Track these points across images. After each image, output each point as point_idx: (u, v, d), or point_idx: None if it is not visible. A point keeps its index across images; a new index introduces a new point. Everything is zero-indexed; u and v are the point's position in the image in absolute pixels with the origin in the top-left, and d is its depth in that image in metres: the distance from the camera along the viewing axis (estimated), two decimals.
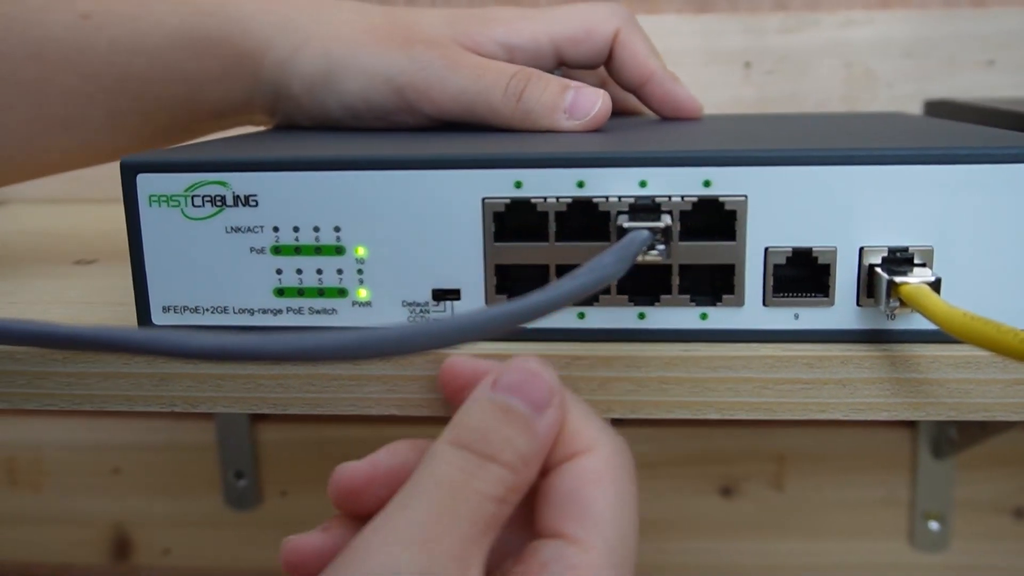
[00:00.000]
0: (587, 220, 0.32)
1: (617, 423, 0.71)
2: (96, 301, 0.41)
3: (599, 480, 0.28)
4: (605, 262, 0.29)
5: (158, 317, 0.35)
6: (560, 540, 0.27)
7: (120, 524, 0.80)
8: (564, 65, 0.47)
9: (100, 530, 0.81)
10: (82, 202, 0.71)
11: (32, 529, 0.82)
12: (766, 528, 0.74)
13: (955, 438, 0.67)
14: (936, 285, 0.30)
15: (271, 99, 0.46)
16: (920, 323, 0.32)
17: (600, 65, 0.47)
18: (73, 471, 0.80)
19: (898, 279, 0.31)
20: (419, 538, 0.24)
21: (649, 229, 0.31)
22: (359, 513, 0.30)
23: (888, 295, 0.31)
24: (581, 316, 0.33)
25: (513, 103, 0.42)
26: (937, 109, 0.58)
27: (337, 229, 0.33)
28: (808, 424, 0.72)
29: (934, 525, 0.71)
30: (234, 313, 0.35)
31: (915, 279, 0.30)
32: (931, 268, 0.32)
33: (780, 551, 0.74)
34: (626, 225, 0.31)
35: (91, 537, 0.81)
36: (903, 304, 0.31)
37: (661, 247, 0.31)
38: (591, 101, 0.41)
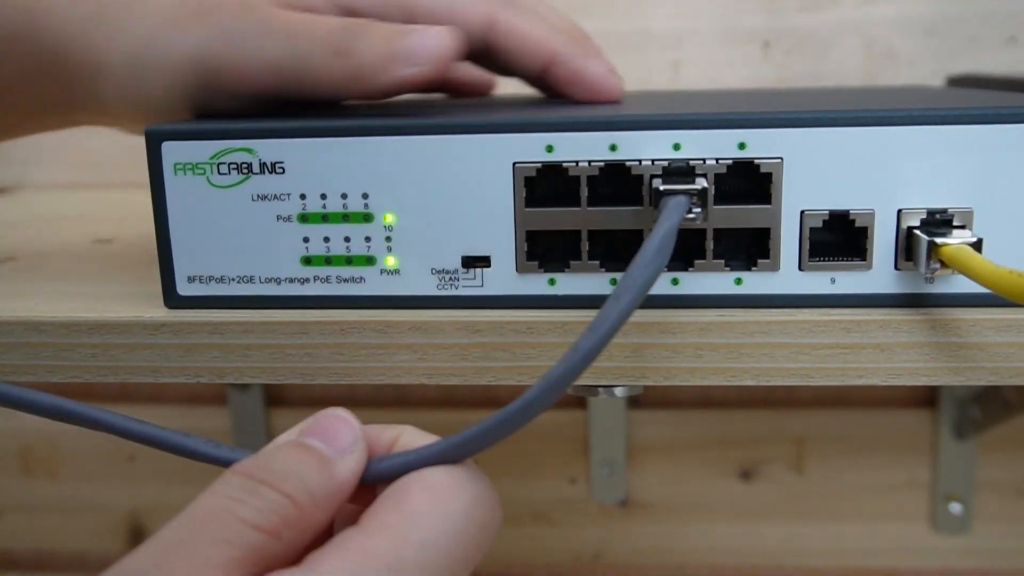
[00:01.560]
0: (620, 184, 0.32)
1: (633, 404, 0.71)
2: (116, 277, 0.40)
3: (428, 487, 0.25)
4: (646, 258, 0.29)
5: (183, 287, 0.35)
6: (355, 526, 0.24)
7: (135, 512, 0.80)
8: None
9: (115, 518, 0.81)
10: (95, 187, 0.70)
11: (47, 517, 0.82)
12: (786, 512, 0.73)
13: (978, 418, 0.66)
14: (977, 246, 0.30)
15: (93, 102, 0.38)
16: (960, 286, 0.32)
17: (477, 58, 0.40)
18: (88, 459, 0.80)
19: (939, 240, 0.30)
20: (152, 563, 0.22)
21: (684, 192, 0.31)
22: None
23: (928, 257, 0.30)
24: (613, 283, 0.33)
25: (340, 62, 0.34)
26: (960, 84, 0.58)
27: (365, 196, 0.33)
28: (828, 406, 0.71)
29: (956, 507, 0.70)
30: (260, 283, 0.34)
31: (956, 240, 0.30)
32: (970, 230, 0.31)
33: (800, 535, 0.73)
34: (661, 188, 0.31)
35: (106, 525, 0.81)
36: (944, 266, 0.30)
37: (697, 210, 0.31)
38: (436, 39, 0.34)
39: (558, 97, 0.40)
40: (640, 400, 0.72)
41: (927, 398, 0.70)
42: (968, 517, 0.71)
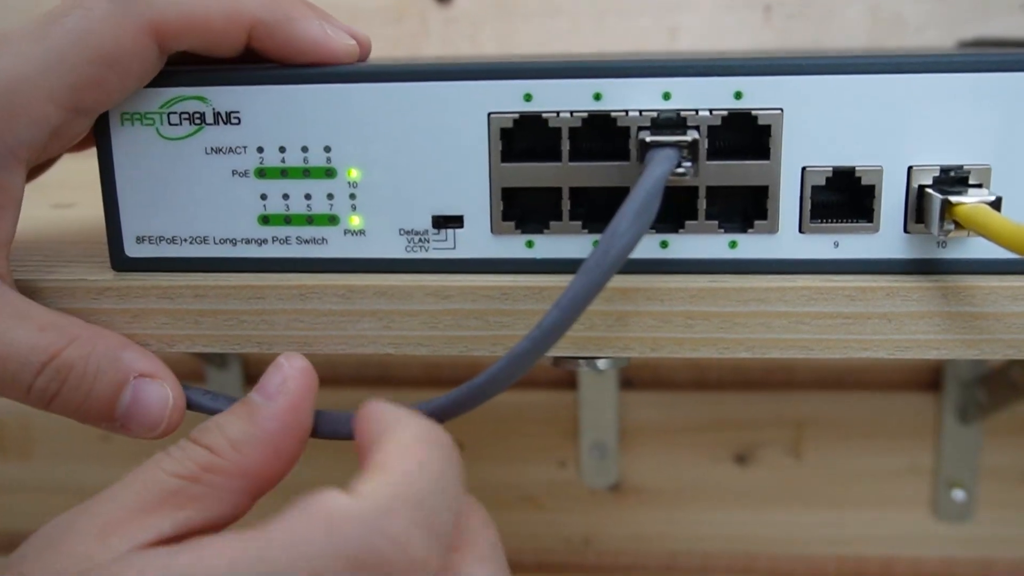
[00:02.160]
0: (604, 137, 0.29)
1: (625, 385, 0.69)
2: (72, 242, 0.38)
3: (400, 445, 0.24)
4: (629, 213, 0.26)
5: (131, 248, 0.32)
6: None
7: None
8: None
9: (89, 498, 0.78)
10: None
11: (22, 498, 0.79)
12: (783, 497, 0.71)
13: (983, 402, 0.64)
14: (996, 205, 0.27)
15: None
16: (975, 251, 0.29)
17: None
18: (62, 439, 0.77)
19: (953, 198, 0.27)
20: (81, 510, 0.25)
21: (673, 144, 0.28)
22: None
23: (942, 217, 0.28)
24: (596, 244, 0.30)
25: (44, 404, 0.30)
26: (972, 47, 0.55)
27: (327, 149, 0.30)
28: (827, 388, 0.69)
29: (959, 494, 0.68)
30: (215, 243, 0.32)
31: (973, 199, 0.27)
32: (988, 189, 0.28)
33: (797, 521, 0.71)
34: (648, 140, 0.28)
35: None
36: (959, 227, 0.27)
37: (687, 165, 0.28)
38: (158, 404, 0.30)
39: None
40: (632, 381, 0.70)
41: (930, 380, 0.68)
42: (971, 504, 0.69)
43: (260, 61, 0.30)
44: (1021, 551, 0.69)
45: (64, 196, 0.49)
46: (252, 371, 0.71)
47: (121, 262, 0.32)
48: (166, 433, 0.31)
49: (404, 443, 0.24)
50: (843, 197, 0.30)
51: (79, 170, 0.56)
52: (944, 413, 0.67)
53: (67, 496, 0.78)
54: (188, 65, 0.31)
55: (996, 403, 0.63)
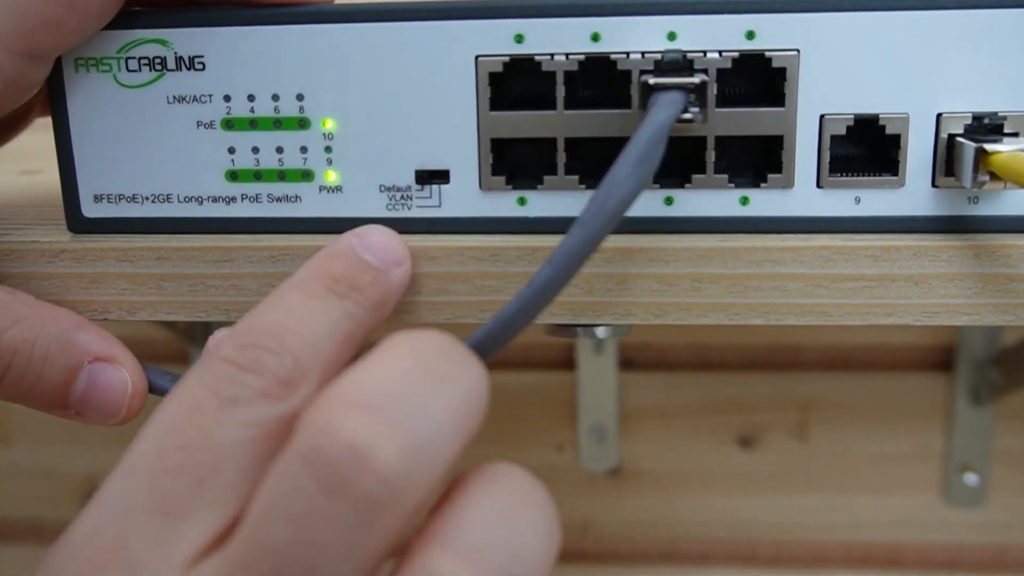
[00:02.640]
0: (604, 82, 0.27)
1: (625, 365, 0.66)
2: (37, 206, 0.35)
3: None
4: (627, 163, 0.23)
5: (89, 208, 0.29)
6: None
7: (92, 477, 0.76)
8: None
9: (71, 483, 0.76)
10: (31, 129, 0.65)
11: (1, 483, 0.77)
12: (788, 482, 0.69)
13: (997, 382, 0.61)
14: None
15: None
16: (1010, 207, 0.27)
17: None
18: (42, 422, 0.75)
19: (988, 147, 0.25)
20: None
21: (679, 87, 0.25)
22: None
23: (975, 168, 0.25)
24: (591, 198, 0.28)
25: None
26: None
27: (300, 98, 0.28)
28: (834, 369, 0.66)
29: (971, 478, 0.66)
30: (179, 202, 0.29)
31: (1010, 147, 0.25)
32: None
33: (803, 506, 0.69)
34: (652, 81, 0.25)
35: (62, 490, 0.77)
36: (994, 179, 0.25)
37: (695, 111, 0.25)
38: (116, 390, 0.28)
39: None
40: (632, 361, 0.67)
41: (942, 360, 0.66)
42: (983, 488, 0.66)
43: (227, 2, 0.28)
44: None
45: (33, 163, 0.46)
46: None
47: (78, 223, 0.29)
48: (127, 420, 0.28)
49: None
50: (865, 148, 0.27)
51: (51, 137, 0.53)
52: (956, 394, 0.65)
53: (48, 480, 0.76)
54: (149, 7, 0.28)
55: (1011, 383, 0.61)
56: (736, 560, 0.71)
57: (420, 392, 0.20)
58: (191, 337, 0.68)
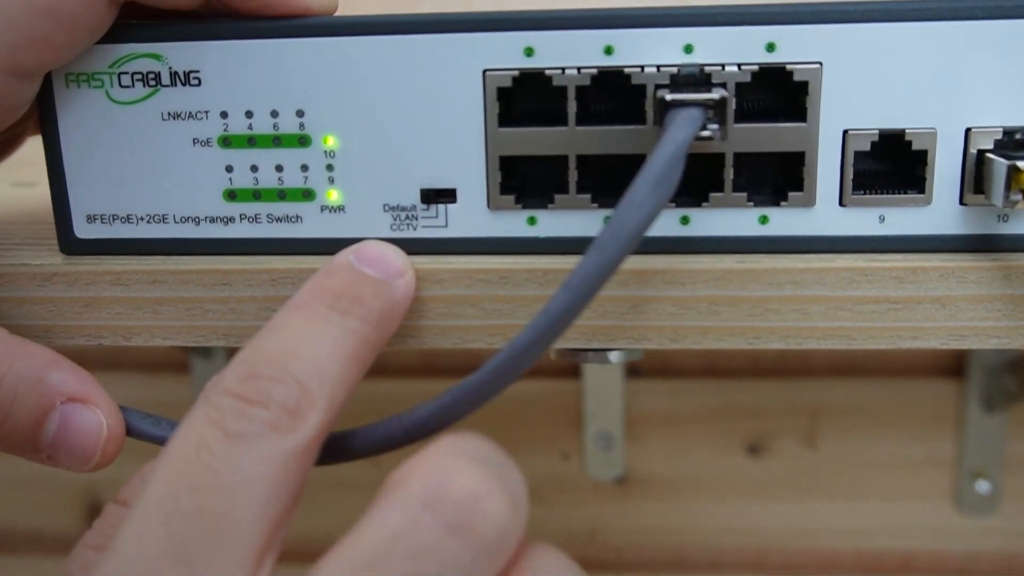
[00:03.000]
0: (617, 97, 0.26)
1: (631, 372, 0.65)
2: (30, 223, 0.34)
3: None
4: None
5: (82, 229, 0.28)
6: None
7: (93, 487, 0.74)
8: None
9: (72, 493, 0.75)
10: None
11: (1, 493, 0.76)
12: (798, 489, 0.68)
13: (1011, 388, 0.60)
14: None
15: None
16: None
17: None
18: None
19: (1022, 164, 0.24)
20: None
21: (697, 103, 0.24)
22: None
23: (1007, 186, 0.24)
24: (608, 220, 0.26)
25: None
26: None
27: (300, 114, 0.27)
28: (844, 375, 0.65)
29: (983, 485, 0.65)
30: (175, 223, 0.28)
31: None
32: None
33: (813, 514, 0.68)
34: (668, 98, 0.24)
35: (63, 501, 0.75)
36: None
37: (713, 127, 0.24)
38: (90, 433, 0.26)
39: None
40: (639, 368, 0.66)
41: (953, 366, 0.65)
42: (996, 496, 0.65)
43: (222, 15, 0.27)
44: None
45: (26, 175, 0.45)
46: None
47: (70, 244, 0.28)
48: (100, 466, 0.27)
49: None
50: (890, 165, 0.26)
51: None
52: (968, 400, 0.63)
53: (49, 491, 0.75)
54: (142, 20, 0.27)
55: None
56: (745, 568, 0.70)
57: (508, 461, 0.22)
58: (191, 348, 0.67)
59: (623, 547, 0.69)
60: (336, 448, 0.23)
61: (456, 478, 0.20)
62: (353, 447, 0.23)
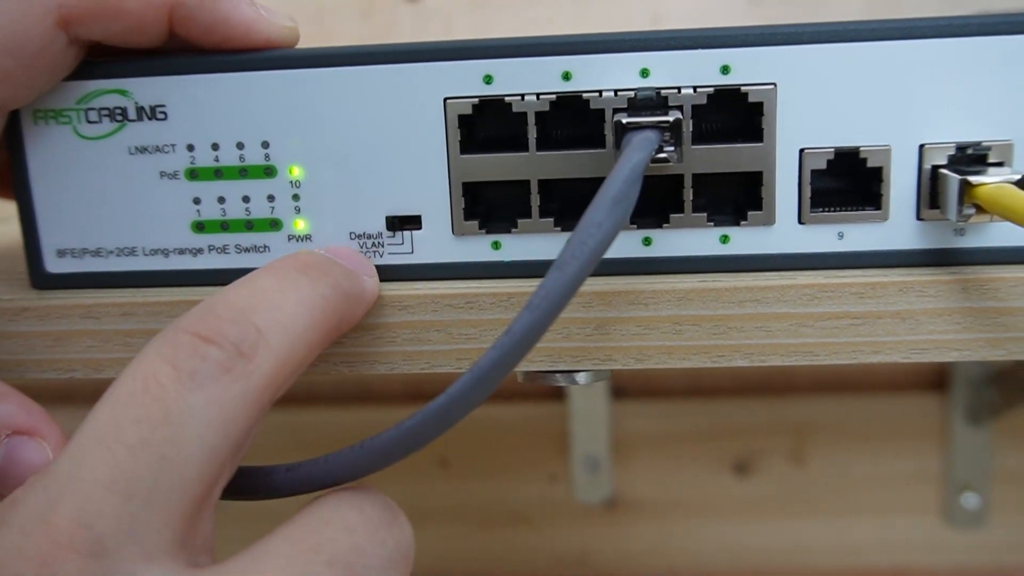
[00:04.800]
0: (576, 121, 0.26)
1: (617, 394, 0.65)
2: (4, 256, 0.34)
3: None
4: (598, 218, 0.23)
5: (52, 263, 0.28)
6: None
7: None
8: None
9: None
10: None
11: None
12: (786, 507, 0.67)
13: (995, 401, 0.60)
14: (1022, 184, 0.24)
15: None
16: (997, 238, 0.26)
17: None
18: None
19: (973, 179, 0.24)
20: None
21: (652, 126, 0.25)
22: None
23: (960, 200, 0.24)
24: (568, 241, 0.27)
25: None
26: None
27: (265, 145, 0.27)
28: (829, 391, 0.65)
29: (971, 499, 0.65)
30: (144, 255, 0.28)
31: (994, 178, 0.24)
32: (1010, 167, 0.25)
33: (801, 531, 0.68)
34: (625, 121, 0.25)
35: None
36: (980, 211, 0.24)
37: (670, 149, 0.25)
38: (36, 467, 0.25)
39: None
40: (625, 390, 0.66)
41: (937, 380, 0.65)
42: (984, 509, 0.65)
43: (186, 50, 0.27)
44: None
45: (3, 209, 0.45)
46: None
47: (41, 279, 0.29)
48: None
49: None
50: (847, 182, 0.26)
51: None
52: (953, 414, 0.64)
53: None
54: (110, 57, 0.27)
55: (1008, 402, 0.60)
56: None
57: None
58: None
59: (613, 570, 0.69)
60: (304, 476, 0.23)
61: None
62: (320, 473, 0.23)
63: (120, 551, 0.19)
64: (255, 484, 0.24)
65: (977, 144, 0.25)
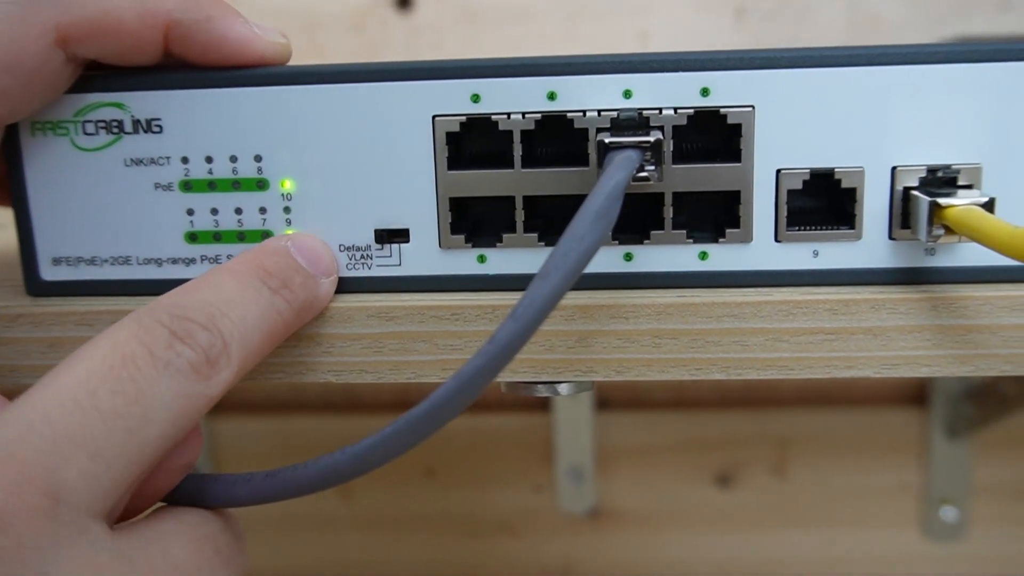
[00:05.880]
0: (560, 140, 0.27)
1: (601, 406, 0.66)
2: (3, 263, 0.35)
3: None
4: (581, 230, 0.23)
5: (47, 271, 0.29)
6: None
7: None
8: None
9: None
10: None
11: None
12: (767, 519, 0.68)
13: (973, 415, 0.61)
14: (989, 207, 0.25)
15: None
16: (966, 258, 0.27)
17: None
18: None
19: (942, 200, 0.25)
20: None
21: (634, 145, 0.25)
22: None
23: (930, 221, 0.25)
24: (552, 252, 0.27)
25: None
26: None
27: (258, 159, 0.28)
28: (811, 405, 0.66)
29: (949, 512, 0.66)
30: (138, 264, 0.29)
31: (964, 200, 0.25)
32: (979, 190, 0.26)
33: (782, 544, 0.69)
34: (608, 140, 0.25)
35: None
36: (949, 232, 0.25)
37: (651, 168, 0.25)
38: None
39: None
40: (609, 401, 0.67)
41: (917, 395, 0.66)
42: (962, 522, 0.66)
43: (182, 66, 0.28)
44: (1015, 570, 0.67)
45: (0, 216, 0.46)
46: None
47: (36, 286, 0.29)
48: None
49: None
50: (822, 202, 0.27)
51: None
52: (932, 428, 0.65)
53: None
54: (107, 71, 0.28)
55: (986, 417, 0.61)
56: None
57: None
58: None
59: None
60: (284, 479, 0.24)
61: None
62: (302, 479, 0.24)
63: (74, 502, 0.20)
64: (235, 491, 0.24)
65: (947, 167, 0.26)
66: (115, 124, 0.28)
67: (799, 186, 0.26)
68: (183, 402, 0.22)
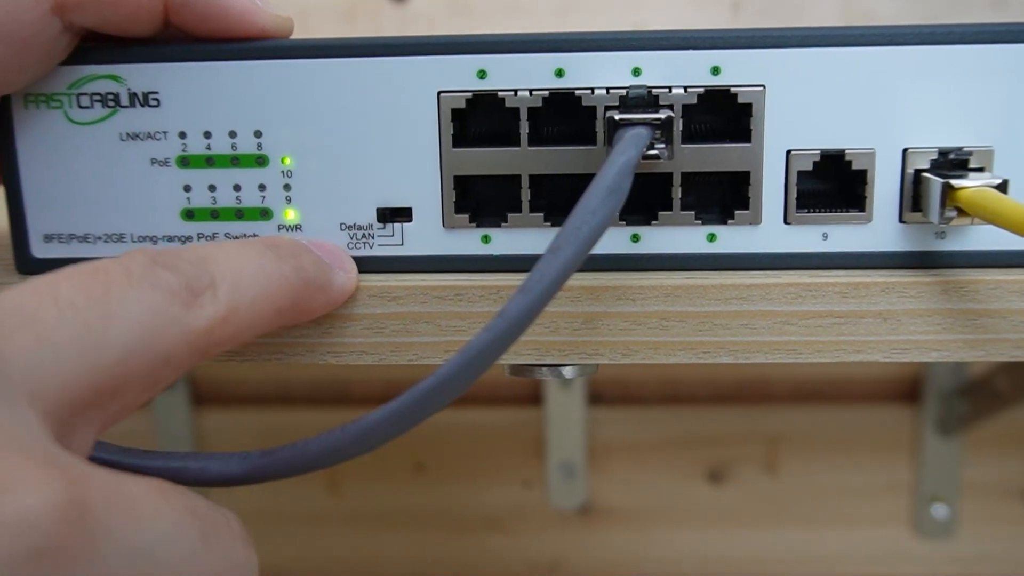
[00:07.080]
0: (568, 118, 0.27)
1: (593, 400, 0.66)
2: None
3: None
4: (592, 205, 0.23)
5: (39, 248, 0.28)
6: None
7: None
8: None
9: None
10: None
11: None
12: (758, 516, 0.68)
13: (965, 412, 0.61)
14: (1003, 188, 0.24)
15: None
16: (977, 242, 0.26)
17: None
18: None
19: (955, 182, 0.25)
20: None
21: (644, 123, 0.25)
22: None
23: (942, 203, 0.25)
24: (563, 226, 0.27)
25: None
26: None
27: (258, 134, 0.27)
28: (802, 401, 0.66)
29: (940, 510, 0.65)
30: (133, 241, 0.28)
31: (976, 182, 0.24)
32: (990, 172, 0.26)
33: (773, 541, 0.68)
34: (617, 117, 0.25)
35: None
36: (961, 214, 0.25)
37: (660, 147, 0.25)
38: None
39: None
40: (601, 396, 0.67)
41: (909, 392, 0.66)
42: (953, 520, 0.66)
43: (180, 38, 0.27)
44: (1006, 568, 0.67)
45: None
46: (202, 390, 0.68)
47: (27, 264, 0.29)
48: None
49: None
50: (832, 184, 0.27)
51: None
52: (923, 425, 0.64)
53: None
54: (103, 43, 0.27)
55: (979, 413, 0.60)
56: None
57: None
58: None
59: (587, 575, 0.69)
60: (288, 458, 0.23)
61: None
62: (306, 455, 0.23)
63: (14, 380, 0.18)
64: (229, 470, 0.23)
65: (959, 149, 0.26)
66: (111, 97, 0.27)
67: (809, 167, 0.26)
68: (153, 318, 0.20)
